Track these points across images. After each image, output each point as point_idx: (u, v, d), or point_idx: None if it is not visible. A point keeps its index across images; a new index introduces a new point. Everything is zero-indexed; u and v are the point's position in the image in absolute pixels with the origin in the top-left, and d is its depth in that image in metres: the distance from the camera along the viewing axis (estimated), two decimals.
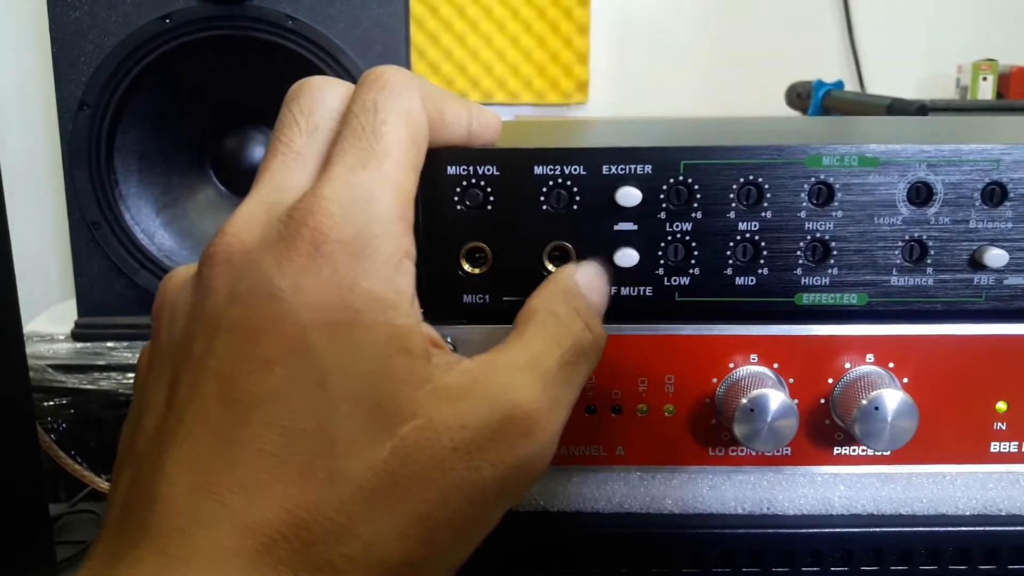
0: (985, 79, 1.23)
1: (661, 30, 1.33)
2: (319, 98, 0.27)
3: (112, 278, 0.83)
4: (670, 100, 1.33)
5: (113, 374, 0.78)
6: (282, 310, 0.23)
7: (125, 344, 0.82)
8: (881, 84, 1.35)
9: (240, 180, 0.91)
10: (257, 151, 0.91)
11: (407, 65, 0.87)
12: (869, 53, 1.35)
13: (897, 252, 0.31)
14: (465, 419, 0.23)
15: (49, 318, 0.90)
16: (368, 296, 0.23)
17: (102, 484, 0.62)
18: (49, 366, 0.77)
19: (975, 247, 0.30)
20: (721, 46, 1.35)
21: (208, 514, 0.22)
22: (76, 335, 0.84)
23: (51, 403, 0.75)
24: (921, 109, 0.97)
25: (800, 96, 1.15)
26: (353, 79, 0.69)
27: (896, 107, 0.99)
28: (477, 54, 1.26)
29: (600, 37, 1.31)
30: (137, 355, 0.80)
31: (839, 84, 1.15)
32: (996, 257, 0.30)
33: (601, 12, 1.30)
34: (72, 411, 0.76)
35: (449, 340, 0.32)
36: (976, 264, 0.31)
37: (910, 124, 0.44)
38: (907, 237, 0.31)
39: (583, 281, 0.30)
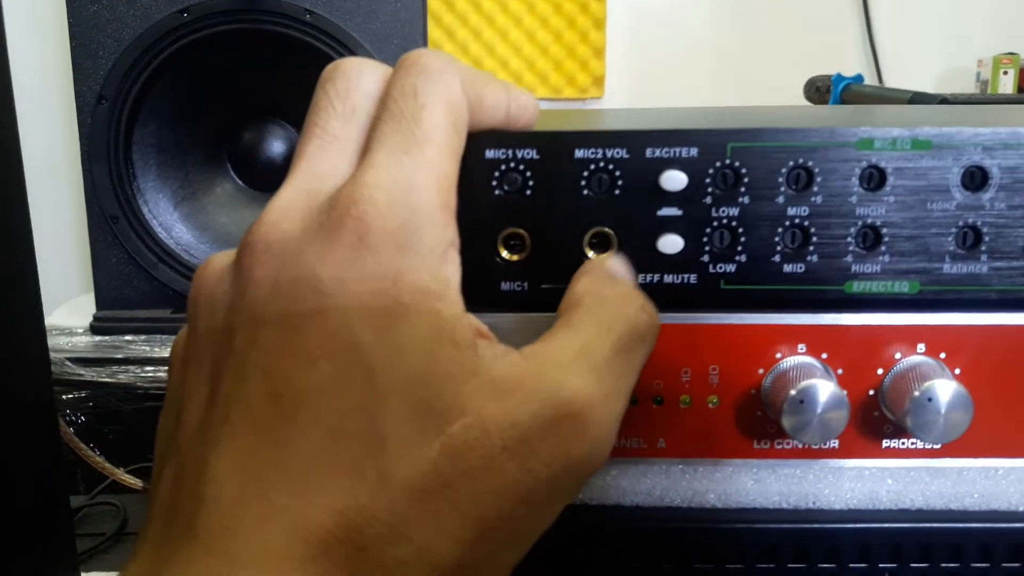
0: (1006, 73, 1.21)
1: (678, 24, 1.32)
2: (355, 80, 0.27)
3: (130, 272, 0.83)
4: (687, 95, 1.32)
5: (131, 367, 0.78)
6: (326, 304, 0.22)
7: (143, 337, 0.81)
8: (900, 79, 1.33)
9: (258, 174, 0.91)
10: (275, 145, 0.91)
11: None
12: (888, 47, 1.34)
13: (950, 239, 0.30)
14: (515, 416, 0.22)
15: (68, 311, 0.90)
16: (413, 288, 0.23)
17: (122, 476, 0.61)
18: (68, 359, 0.77)
19: None
20: (738, 41, 1.34)
21: (257, 515, 0.21)
22: (94, 328, 0.84)
23: (70, 396, 0.75)
24: (943, 103, 0.96)
25: (819, 90, 1.14)
26: None
27: (917, 101, 0.98)
28: (493, 49, 1.26)
29: (616, 32, 1.30)
30: (155, 348, 0.80)
31: (859, 78, 1.14)
32: None
33: (617, 6, 1.29)
34: (91, 404, 0.76)
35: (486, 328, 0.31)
36: None
37: (950, 112, 0.43)
38: (961, 223, 0.30)
39: (620, 269, 0.29)
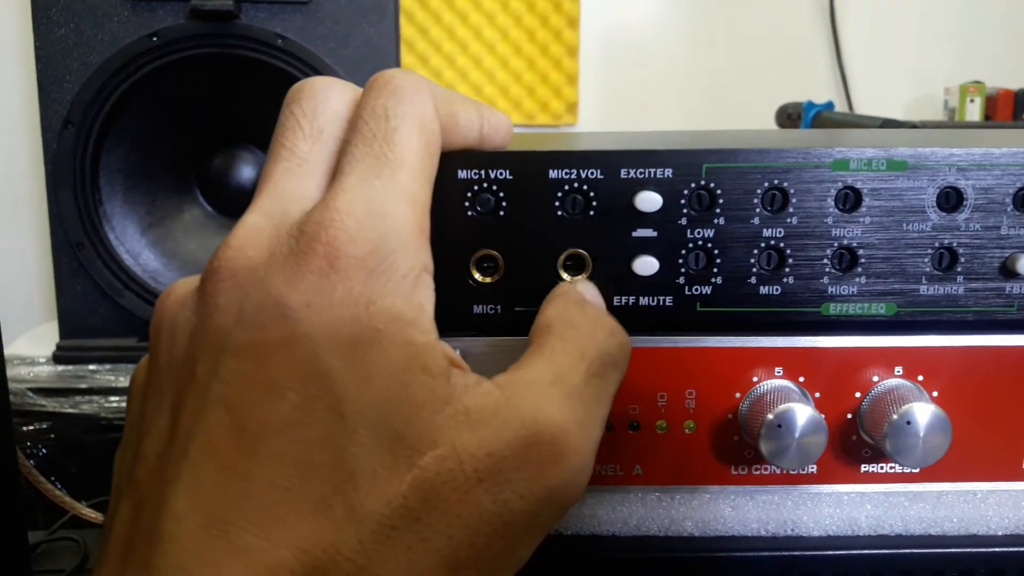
0: (972, 101, 1.23)
1: (650, 52, 1.34)
2: (323, 100, 0.26)
3: (95, 299, 0.81)
4: (660, 122, 1.33)
5: (95, 397, 0.76)
6: (293, 331, 0.21)
7: (108, 367, 0.80)
8: (870, 106, 1.35)
9: (227, 200, 0.89)
10: (245, 171, 0.90)
11: None
12: (858, 75, 1.36)
13: (926, 260, 0.29)
14: (489, 446, 0.22)
15: (30, 340, 0.88)
16: (386, 314, 0.22)
17: (83, 511, 0.59)
18: (30, 389, 0.75)
19: (1007, 254, 0.29)
20: (710, 69, 1.35)
21: (218, 554, 0.20)
22: (58, 358, 0.82)
23: (31, 428, 0.73)
24: (912, 130, 0.97)
25: (791, 117, 1.15)
26: None
27: (887, 128, 0.99)
28: (467, 75, 1.26)
29: (589, 59, 1.30)
30: (120, 378, 0.78)
31: (829, 105, 1.15)
32: None
33: (591, 34, 1.30)
34: (53, 436, 0.74)
35: (458, 352, 0.30)
36: (1008, 272, 0.29)
37: (922, 135, 0.44)
38: (937, 244, 0.29)
39: (589, 293, 0.29)
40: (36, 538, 0.59)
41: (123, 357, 0.81)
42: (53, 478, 0.69)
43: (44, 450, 0.73)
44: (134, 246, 0.83)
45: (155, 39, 0.80)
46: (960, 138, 0.39)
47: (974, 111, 1.23)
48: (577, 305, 0.27)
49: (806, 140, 0.37)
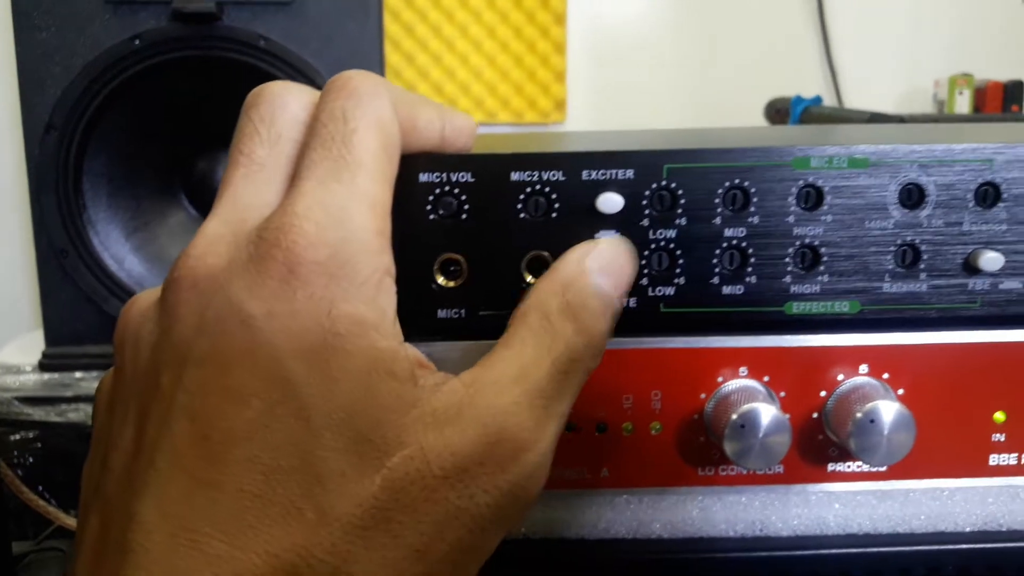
0: (962, 93, 1.23)
1: (638, 48, 1.33)
2: (280, 105, 0.26)
3: (81, 306, 0.81)
4: (649, 118, 1.32)
5: (82, 405, 0.75)
6: (255, 338, 0.21)
7: (95, 374, 0.79)
8: (859, 99, 1.35)
9: (212, 203, 0.89)
10: None
11: None
12: (847, 69, 1.36)
13: (889, 257, 0.29)
14: (454, 445, 0.22)
15: (15, 348, 0.88)
16: (348, 319, 0.22)
17: (69, 521, 0.59)
18: (15, 398, 0.75)
19: (969, 250, 0.29)
20: (700, 64, 1.35)
21: (188, 564, 0.20)
22: (44, 366, 0.81)
23: (17, 437, 0.73)
24: (900, 124, 0.97)
25: (779, 112, 1.15)
26: None
27: (875, 121, 0.99)
28: (454, 74, 1.25)
29: (577, 56, 1.30)
30: None
31: (817, 100, 1.15)
32: (991, 261, 0.29)
33: (578, 31, 1.30)
34: (39, 444, 0.74)
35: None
36: (971, 268, 0.29)
37: (897, 130, 0.44)
38: (899, 241, 0.29)
39: (596, 264, 0.26)
40: (22, 548, 0.59)
41: (109, 364, 0.80)
42: (40, 487, 0.69)
43: (31, 459, 0.73)
44: (119, 251, 0.82)
45: (137, 42, 0.80)
46: (946, 131, 0.39)
47: (963, 103, 1.22)
48: (562, 288, 0.25)
49: (777, 138, 0.37)
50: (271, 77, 0.81)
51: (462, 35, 1.25)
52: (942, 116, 1.21)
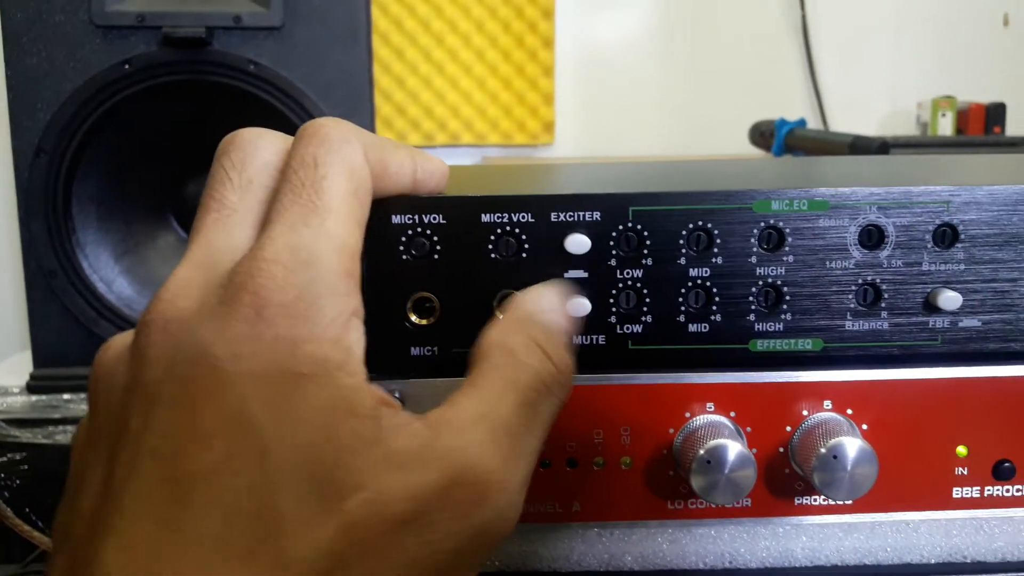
0: (944, 115, 1.25)
1: (626, 71, 1.35)
2: (251, 151, 0.26)
3: (69, 328, 0.81)
4: (636, 140, 1.34)
5: (70, 427, 0.75)
6: (220, 380, 0.22)
7: (83, 396, 0.80)
8: (844, 121, 1.37)
9: None
10: None
11: (371, 109, 0.87)
12: (831, 91, 1.37)
13: (851, 296, 0.30)
14: (414, 488, 0.22)
15: (3, 370, 0.88)
16: (311, 359, 0.22)
17: (51, 545, 0.59)
18: (3, 420, 0.75)
19: (929, 290, 0.30)
20: (686, 87, 1.36)
21: None
22: (32, 387, 0.81)
23: (4, 459, 0.73)
24: (883, 147, 0.99)
25: (764, 135, 1.16)
26: None
27: (858, 145, 1.00)
28: (443, 96, 1.27)
29: (565, 79, 1.32)
30: None
31: (802, 122, 1.16)
32: (950, 300, 0.30)
33: (566, 54, 1.31)
34: (26, 467, 0.74)
35: (397, 396, 0.31)
36: (930, 307, 0.30)
37: (867, 164, 0.44)
38: (860, 281, 0.30)
39: (542, 306, 0.27)
40: (9, 572, 0.60)
41: None
42: (27, 510, 0.69)
43: (18, 482, 0.73)
44: (108, 274, 0.83)
45: (127, 66, 0.80)
46: (916, 165, 0.40)
47: (946, 125, 1.24)
48: (519, 324, 0.26)
49: (747, 175, 0.37)
50: (260, 101, 0.82)
51: (452, 58, 1.26)
52: (925, 139, 1.22)
